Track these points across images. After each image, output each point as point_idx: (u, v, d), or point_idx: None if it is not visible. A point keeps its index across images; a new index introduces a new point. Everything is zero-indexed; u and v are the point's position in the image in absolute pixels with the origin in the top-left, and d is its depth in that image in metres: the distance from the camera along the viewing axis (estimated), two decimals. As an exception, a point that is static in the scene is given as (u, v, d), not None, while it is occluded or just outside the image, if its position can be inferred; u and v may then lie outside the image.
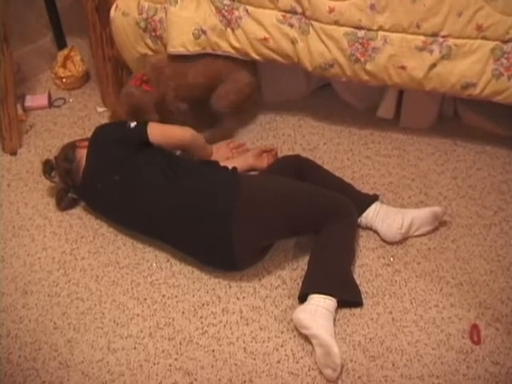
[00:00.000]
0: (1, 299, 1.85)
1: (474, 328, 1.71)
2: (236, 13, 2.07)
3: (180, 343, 1.72)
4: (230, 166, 1.98)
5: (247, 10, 2.06)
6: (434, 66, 1.99)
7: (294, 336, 1.72)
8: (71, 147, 2.06)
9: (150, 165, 1.91)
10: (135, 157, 1.92)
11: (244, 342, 1.71)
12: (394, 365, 1.64)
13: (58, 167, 2.05)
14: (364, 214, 1.95)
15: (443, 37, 1.95)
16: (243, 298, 1.82)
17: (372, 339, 1.70)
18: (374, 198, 1.98)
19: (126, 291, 1.86)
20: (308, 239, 1.91)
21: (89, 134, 2.04)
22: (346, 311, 1.76)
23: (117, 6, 2.21)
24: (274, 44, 2.09)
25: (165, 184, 1.86)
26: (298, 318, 1.68)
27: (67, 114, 2.56)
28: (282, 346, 1.70)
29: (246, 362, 1.67)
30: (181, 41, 2.12)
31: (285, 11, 2.04)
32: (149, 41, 2.23)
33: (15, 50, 2.37)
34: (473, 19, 1.90)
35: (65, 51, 2.71)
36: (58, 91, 2.69)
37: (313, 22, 2.02)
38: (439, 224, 1.98)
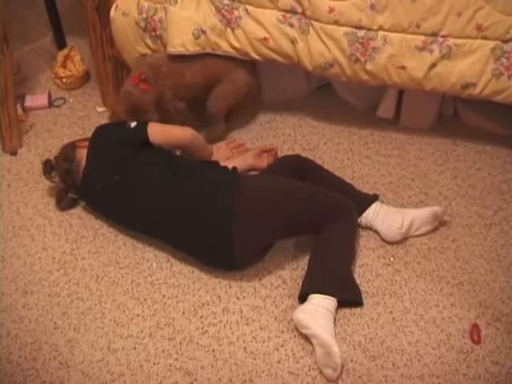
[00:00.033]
0: (1, 299, 1.85)
1: (475, 328, 1.71)
2: (236, 12, 2.07)
3: (180, 343, 1.72)
4: (230, 166, 1.98)
5: (247, 10, 2.06)
6: (433, 65, 1.99)
7: (295, 336, 1.72)
8: (71, 147, 2.06)
9: (150, 165, 1.91)
10: (135, 157, 1.92)
11: (244, 342, 1.71)
12: (394, 364, 1.64)
13: (58, 167, 2.05)
14: (364, 214, 1.95)
15: (443, 36, 1.95)
16: (243, 297, 1.82)
17: (372, 339, 1.70)
18: (374, 198, 1.98)
19: (127, 291, 1.86)
20: (308, 239, 1.91)
21: (89, 134, 2.04)
22: (346, 311, 1.76)
23: (117, 6, 2.21)
24: (274, 44, 2.09)
25: (165, 184, 1.86)
26: (298, 318, 1.68)
27: (67, 114, 2.56)
28: (282, 346, 1.70)
29: (246, 361, 1.67)
30: (180, 41, 2.12)
31: (285, 11, 2.04)
32: (149, 40, 2.23)
33: (15, 49, 2.37)
34: (473, 19, 1.90)
35: (65, 51, 2.71)
36: (58, 91, 2.69)
37: (313, 22, 2.01)
38: (439, 224, 1.98)
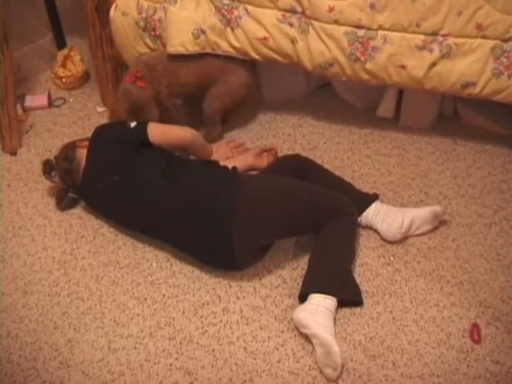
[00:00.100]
0: (1, 299, 1.85)
1: (475, 327, 1.71)
2: (235, 12, 2.07)
3: (180, 343, 1.72)
4: (229, 166, 1.98)
5: (247, 10, 2.06)
6: (433, 65, 1.99)
7: (295, 335, 1.72)
8: (71, 147, 2.06)
9: (150, 165, 1.91)
10: (135, 157, 1.92)
11: (244, 342, 1.71)
12: (394, 364, 1.64)
13: (58, 167, 2.05)
14: (364, 214, 1.95)
15: (443, 36, 1.95)
16: (243, 297, 1.82)
17: (372, 338, 1.70)
18: (374, 198, 1.98)
19: (127, 291, 1.86)
20: (308, 238, 1.91)
21: (89, 134, 2.04)
22: (346, 310, 1.76)
23: (116, 6, 2.21)
24: (274, 43, 2.09)
25: (165, 184, 1.86)
26: (299, 318, 1.68)
27: (67, 114, 2.56)
28: (282, 346, 1.70)
29: (246, 361, 1.67)
30: (180, 40, 2.12)
31: (284, 10, 2.04)
32: (148, 40, 2.23)
33: (15, 49, 2.37)
34: (473, 18, 1.90)
35: (64, 51, 2.71)
36: (58, 91, 2.69)
37: (312, 22, 2.01)
38: (439, 223, 1.98)
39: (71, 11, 2.75)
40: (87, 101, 2.63)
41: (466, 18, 1.91)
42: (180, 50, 2.14)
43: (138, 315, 1.79)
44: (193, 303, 1.82)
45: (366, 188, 2.12)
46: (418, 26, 1.94)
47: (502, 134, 2.30)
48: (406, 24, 1.95)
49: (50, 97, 2.63)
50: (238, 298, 1.82)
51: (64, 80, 2.67)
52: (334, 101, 2.50)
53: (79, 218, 2.09)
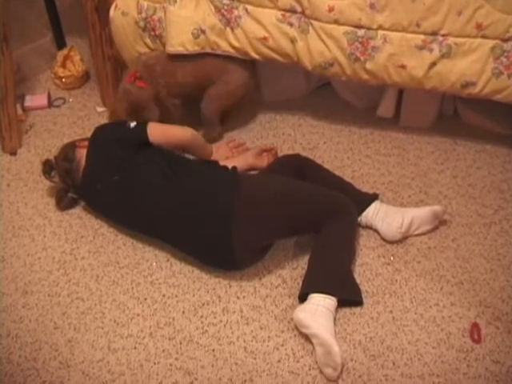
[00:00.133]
0: (1, 299, 1.85)
1: (475, 327, 1.70)
2: (235, 12, 2.07)
3: (180, 343, 1.72)
4: (229, 166, 1.98)
5: (246, 9, 2.06)
6: (433, 64, 1.99)
7: (295, 335, 1.72)
8: (71, 147, 2.06)
9: (150, 165, 1.91)
10: (135, 157, 1.92)
11: (244, 342, 1.71)
12: (394, 364, 1.64)
13: (58, 167, 2.05)
14: (364, 213, 1.95)
15: (443, 35, 1.95)
16: (243, 297, 1.82)
17: (372, 338, 1.70)
18: (373, 197, 1.98)
19: (126, 291, 1.86)
20: (308, 238, 1.91)
21: (88, 134, 2.04)
22: (346, 310, 1.76)
23: (116, 6, 2.21)
24: (274, 43, 2.09)
25: (164, 184, 1.86)
26: (299, 318, 1.68)
27: (67, 114, 2.56)
28: (282, 346, 1.70)
29: (246, 361, 1.67)
30: (180, 40, 2.12)
31: (284, 10, 2.04)
32: (148, 40, 2.23)
33: (15, 49, 2.37)
34: (472, 18, 1.90)
35: (64, 51, 2.71)
36: (58, 91, 2.69)
37: (312, 21, 2.01)
38: (439, 223, 1.98)
39: (71, 11, 2.75)
40: (87, 101, 2.63)
41: (466, 18, 1.91)
42: (180, 49, 2.14)
43: (138, 315, 1.79)
44: (193, 303, 1.81)
45: (365, 188, 2.11)
46: (417, 25, 1.94)
47: (502, 134, 2.30)
48: (406, 24, 1.95)
49: (49, 97, 2.62)
50: (237, 297, 1.82)
51: (64, 80, 2.67)
52: (334, 101, 2.50)
53: (79, 218, 2.09)
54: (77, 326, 1.77)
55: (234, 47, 2.14)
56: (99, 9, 2.29)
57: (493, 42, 1.93)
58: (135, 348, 1.71)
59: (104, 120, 2.46)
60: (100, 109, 2.56)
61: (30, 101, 2.59)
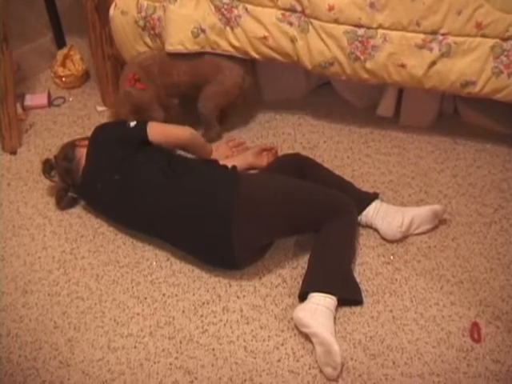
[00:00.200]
0: (1, 298, 1.85)
1: (475, 326, 1.71)
2: (235, 11, 2.07)
3: (180, 342, 1.72)
4: (229, 165, 1.98)
5: (246, 9, 2.06)
6: (433, 63, 1.99)
7: (295, 334, 1.72)
8: (71, 146, 2.06)
9: (150, 164, 1.91)
10: (135, 156, 1.92)
11: (244, 341, 1.71)
12: (394, 363, 1.64)
13: (58, 166, 2.05)
14: (364, 212, 1.95)
15: (443, 35, 1.95)
16: (243, 296, 1.82)
17: (372, 337, 1.70)
18: (374, 196, 1.98)
19: (126, 290, 1.86)
20: (308, 237, 1.91)
21: (88, 133, 2.04)
22: (346, 309, 1.76)
23: (116, 5, 2.21)
24: (274, 42, 2.09)
25: (164, 183, 1.86)
26: (299, 317, 1.68)
27: (67, 113, 2.56)
28: (282, 345, 1.70)
29: (246, 360, 1.67)
30: (179, 39, 2.12)
31: (284, 9, 2.04)
32: (148, 39, 2.23)
33: (15, 49, 2.37)
34: (472, 17, 1.90)
35: (64, 50, 2.71)
36: (58, 90, 2.69)
37: (312, 21, 2.01)
38: (439, 222, 1.98)
39: (71, 11, 2.75)
40: (87, 100, 2.63)
41: (466, 17, 1.90)
42: (179, 48, 2.14)
43: (138, 314, 1.79)
44: (193, 302, 1.82)
45: (365, 187, 2.11)
46: (417, 24, 1.94)
47: (502, 133, 2.30)
48: (406, 23, 1.95)
49: (49, 96, 2.62)
50: (238, 297, 1.82)
51: (64, 79, 2.67)
52: (334, 100, 2.50)
53: (79, 218, 2.09)
54: (77, 326, 1.77)
55: (233, 46, 2.13)
56: (99, 8, 2.29)
57: (493, 41, 1.93)
58: (135, 347, 1.71)
59: (104, 119, 2.46)
60: (100, 108, 2.56)
61: (30, 100, 2.59)
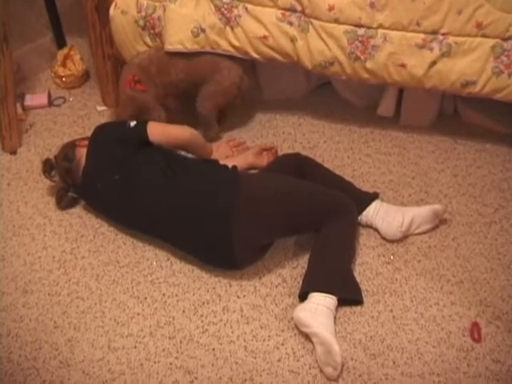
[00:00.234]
0: (1, 298, 1.85)
1: (475, 326, 1.70)
2: (235, 11, 2.07)
3: (180, 342, 1.72)
4: (229, 165, 1.98)
5: (246, 8, 2.06)
6: (433, 63, 1.99)
7: (295, 334, 1.72)
8: (71, 146, 2.06)
9: (150, 164, 1.91)
10: (135, 156, 1.92)
11: (244, 341, 1.71)
12: (394, 363, 1.64)
13: (58, 166, 2.05)
14: (364, 212, 1.95)
15: (443, 34, 1.95)
16: (243, 296, 1.82)
17: (372, 337, 1.70)
18: (374, 196, 1.98)
19: (127, 290, 1.86)
20: (308, 237, 1.91)
21: (89, 133, 2.04)
22: (346, 309, 1.76)
23: (116, 5, 2.21)
24: (274, 42, 2.08)
25: (164, 183, 1.86)
26: (299, 317, 1.68)
27: (67, 113, 2.56)
28: (282, 345, 1.69)
29: (246, 360, 1.67)
30: (178, 38, 2.12)
31: (284, 9, 2.04)
32: (147, 39, 2.23)
33: (15, 49, 2.37)
34: (473, 17, 1.90)
35: (64, 50, 2.71)
36: (58, 90, 2.68)
37: (312, 20, 2.01)
38: (439, 222, 1.98)
39: (71, 10, 2.75)
40: (87, 100, 2.63)
41: (466, 17, 1.90)
42: (179, 47, 2.14)
43: (138, 314, 1.79)
44: (193, 302, 1.81)
45: (366, 187, 2.11)
46: (418, 24, 1.94)
47: (502, 133, 2.30)
48: (406, 23, 1.95)
49: (49, 96, 2.62)
50: (238, 297, 1.82)
51: (64, 79, 2.67)
52: (334, 100, 2.50)
53: (79, 218, 2.09)
54: (77, 325, 1.77)
55: (233, 46, 2.13)
56: (99, 8, 2.29)
57: (493, 41, 1.93)
58: (135, 347, 1.71)
59: (104, 119, 2.46)
60: (100, 108, 2.56)
61: (30, 100, 2.59)
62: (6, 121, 2.33)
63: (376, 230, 1.96)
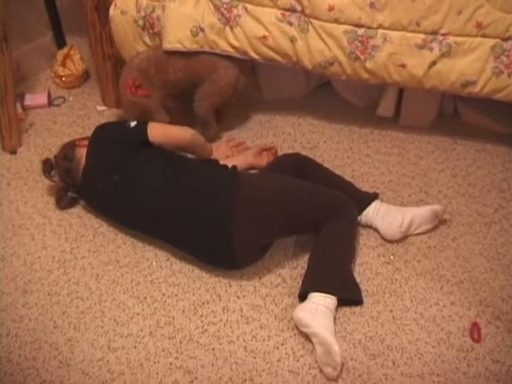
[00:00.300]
0: (1, 298, 1.85)
1: (475, 326, 1.70)
2: (235, 11, 2.07)
3: (180, 342, 1.72)
4: (229, 165, 1.98)
5: (246, 8, 2.06)
6: (433, 63, 1.99)
7: (295, 334, 1.72)
8: (71, 146, 2.05)
9: (150, 164, 1.91)
10: (135, 156, 1.92)
11: (244, 341, 1.71)
12: (394, 363, 1.64)
13: (58, 166, 2.05)
14: (364, 213, 1.95)
15: (443, 35, 1.95)
16: (243, 296, 1.82)
17: (372, 337, 1.70)
18: (374, 197, 1.98)
19: (126, 290, 1.86)
20: (308, 237, 1.91)
21: (89, 133, 2.04)
22: (346, 309, 1.76)
23: (115, 5, 2.21)
24: (273, 42, 2.08)
25: (164, 183, 1.86)
26: (299, 317, 1.68)
27: (67, 113, 2.56)
28: (282, 345, 1.69)
29: (246, 360, 1.67)
30: (177, 37, 2.12)
31: (284, 9, 2.04)
32: (147, 39, 2.23)
33: (15, 48, 2.37)
34: (472, 17, 1.90)
35: (64, 50, 2.71)
36: (58, 90, 2.68)
37: (312, 20, 2.01)
38: (439, 222, 1.98)
39: (71, 10, 2.75)
40: (87, 100, 2.63)
41: (466, 17, 1.91)
42: (177, 46, 2.14)
43: (138, 314, 1.79)
44: (193, 302, 1.81)
45: (365, 187, 2.11)
46: (417, 24, 1.94)
47: (502, 133, 2.30)
48: (406, 23, 1.95)
49: (49, 96, 2.62)
50: (237, 297, 1.82)
51: (64, 79, 2.67)
52: (334, 100, 2.50)
53: (79, 217, 2.09)
54: (76, 325, 1.77)
55: (233, 46, 2.13)
56: (99, 8, 2.29)
57: (493, 41, 1.93)
58: (135, 347, 1.71)
59: (104, 119, 2.46)
60: (100, 108, 2.56)
61: (29, 100, 2.59)
62: (6, 120, 2.33)
63: (376, 230, 1.96)
